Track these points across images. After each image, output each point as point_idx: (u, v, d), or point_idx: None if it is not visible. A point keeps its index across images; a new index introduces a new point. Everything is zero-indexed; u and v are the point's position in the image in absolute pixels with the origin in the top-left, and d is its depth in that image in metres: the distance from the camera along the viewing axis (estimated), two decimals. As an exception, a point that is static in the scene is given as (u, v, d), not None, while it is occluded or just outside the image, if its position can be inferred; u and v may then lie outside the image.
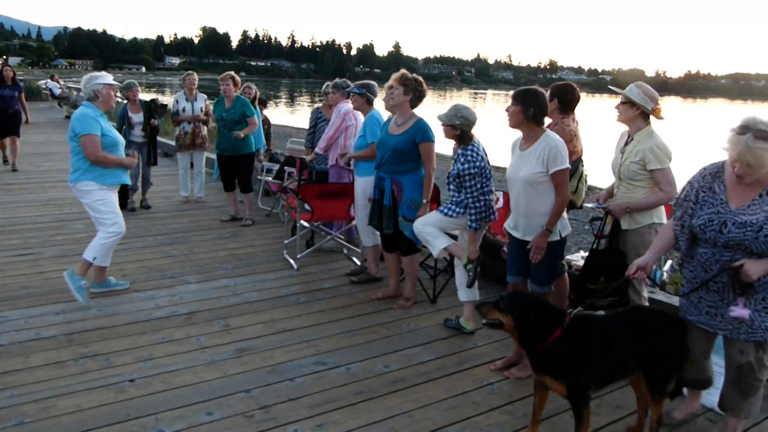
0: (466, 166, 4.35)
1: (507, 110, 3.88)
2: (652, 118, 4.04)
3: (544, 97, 3.84)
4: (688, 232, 3.06)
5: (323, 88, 7.32)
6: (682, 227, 3.09)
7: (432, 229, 4.59)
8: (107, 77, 5.23)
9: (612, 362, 3.10)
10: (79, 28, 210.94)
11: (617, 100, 4.16)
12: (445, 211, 4.54)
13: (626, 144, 4.09)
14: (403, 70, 5.13)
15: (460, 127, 4.38)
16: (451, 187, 4.53)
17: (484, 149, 4.49)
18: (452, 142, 4.58)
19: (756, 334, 2.97)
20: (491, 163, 4.58)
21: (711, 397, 3.56)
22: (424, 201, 4.90)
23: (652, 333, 3.15)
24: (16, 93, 11.27)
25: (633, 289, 4.06)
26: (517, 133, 4.04)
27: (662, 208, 4.09)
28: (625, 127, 4.16)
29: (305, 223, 6.45)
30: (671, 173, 3.92)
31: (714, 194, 2.97)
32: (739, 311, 2.91)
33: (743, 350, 3.04)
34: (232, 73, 7.80)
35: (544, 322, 3.05)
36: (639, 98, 3.95)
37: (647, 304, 4.13)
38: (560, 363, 3.04)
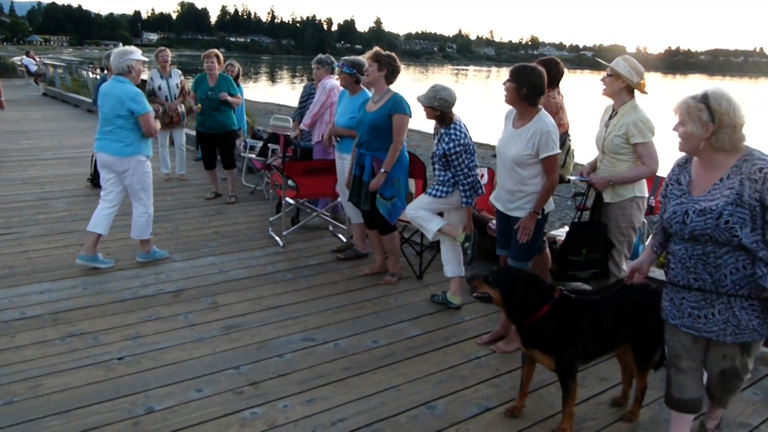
0: (451, 145, 4.35)
1: (503, 84, 3.87)
2: (636, 93, 4.06)
3: (539, 76, 3.78)
4: (661, 229, 2.92)
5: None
6: (660, 225, 2.93)
7: (424, 213, 4.60)
8: (138, 53, 5.40)
9: (600, 336, 3.15)
10: (53, 3, 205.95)
11: (599, 75, 4.19)
12: (434, 192, 4.54)
13: (610, 118, 4.12)
14: (376, 48, 5.10)
15: (439, 108, 4.38)
16: (437, 167, 4.54)
17: (465, 126, 4.49)
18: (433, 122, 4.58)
19: (743, 334, 2.68)
20: (474, 140, 4.59)
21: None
22: (383, 170, 4.89)
23: (637, 306, 3.19)
24: None
25: (613, 261, 4.13)
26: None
27: (644, 182, 4.14)
28: (608, 102, 4.18)
29: (290, 200, 6.43)
30: (654, 147, 3.96)
31: (680, 185, 2.77)
32: None
33: (726, 354, 2.79)
34: (216, 50, 7.69)
35: (532, 297, 3.09)
36: (625, 71, 3.97)
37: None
38: (549, 337, 3.09)
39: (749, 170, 2.50)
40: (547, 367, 3.19)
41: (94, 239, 5.36)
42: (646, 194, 4.18)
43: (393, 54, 5.07)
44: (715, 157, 2.59)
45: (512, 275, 3.25)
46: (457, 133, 4.38)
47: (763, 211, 2.49)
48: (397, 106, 4.89)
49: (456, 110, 4.50)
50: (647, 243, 3.18)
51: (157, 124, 5.51)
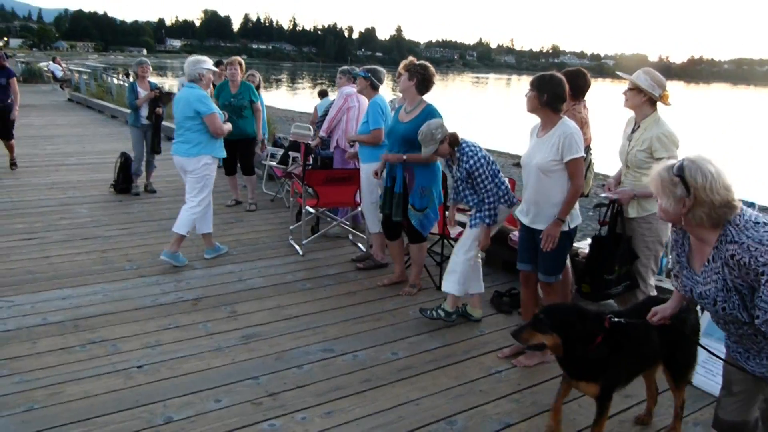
0: (471, 162, 4.28)
1: (525, 95, 3.84)
2: (659, 104, 4.00)
3: (560, 84, 3.77)
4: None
5: None
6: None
7: (467, 271, 4.47)
8: (209, 62, 5.82)
9: (640, 357, 3.06)
10: (80, 11, 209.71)
11: (620, 84, 4.12)
12: (477, 222, 4.41)
13: (633, 131, 4.06)
14: (410, 57, 5.09)
15: (443, 139, 4.35)
16: (466, 192, 4.43)
17: (475, 144, 4.43)
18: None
19: None
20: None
21: (711, 382, 3.57)
22: (404, 156, 4.85)
23: (671, 324, 3.10)
24: (4, 81, 9.10)
25: (639, 275, 4.06)
26: (534, 120, 4.00)
27: (670, 196, 4.06)
28: (630, 113, 4.12)
29: (311, 209, 6.43)
30: None
31: (682, 248, 2.56)
32: None
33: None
34: (239, 58, 7.75)
35: (588, 330, 2.92)
36: (647, 84, 3.91)
37: (653, 291, 4.11)
38: (599, 367, 2.94)
39: (725, 255, 2.26)
40: (589, 395, 3.05)
41: (208, 238, 5.94)
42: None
43: (426, 63, 5.01)
44: (699, 231, 2.36)
45: (564, 314, 2.99)
46: (470, 149, 4.32)
47: (751, 293, 2.25)
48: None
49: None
50: (674, 286, 2.95)
51: (227, 126, 5.82)
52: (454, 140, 4.37)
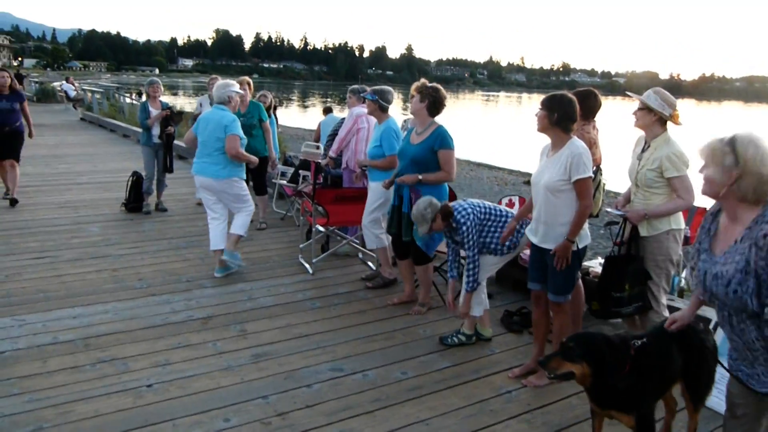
0: (463, 229, 4.31)
1: (535, 114, 3.85)
2: (669, 124, 4.00)
3: (571, 103, 3.76)
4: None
5: None
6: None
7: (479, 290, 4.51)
8: (236, 86, 6.08)
9: (664, 379, 3.01)
10: (93, 31, 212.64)
11: (631, 102, 4.11)
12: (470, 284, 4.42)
13: (643, 150, 4.05)
14: (422, 79, 5.10)
15: (434, 217, 4.36)
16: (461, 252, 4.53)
17: (461, 204, 4.42)
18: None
19: None
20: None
21: (716, 399, 3.53)
22: (420, 177, 4.84)
23: (686, 345, 3.07)
24: (16, 105, 8.61)
25: (651, 294, 4.02)
26: (545, 139, 3.99)
27: (680, 214, 4.05)
28: (640, 132, 4.12)
29: (321, 228, 6.44)
30: (689, 180, 3.87)
31: (708, 236, 2.57)
32: None
33: None
34: (248, 77, 7.84)
35: (617, 359, 2.85)
36: (656, 104, 3.91)
37: (666, 311, 4.08)
38: (628, 395, 2.87)
39: (757, 234, 2.27)
40: (625, 425, 2.96)
41: (219, 253, 5.99)
42: (683, 226, 4.09)
43: (437, 86, 5.01)
44: (738, 208, 2.38)
45: (594, 342, 2.91)
46: (461, 218, 4.32)
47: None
48: (442, 142, 4.86)
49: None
50: (692, 292, 2.93)
51: (249, 156, 6.00)
52: (446, 213, 4.38)
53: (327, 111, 11.27)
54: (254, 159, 6.10)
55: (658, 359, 2.92)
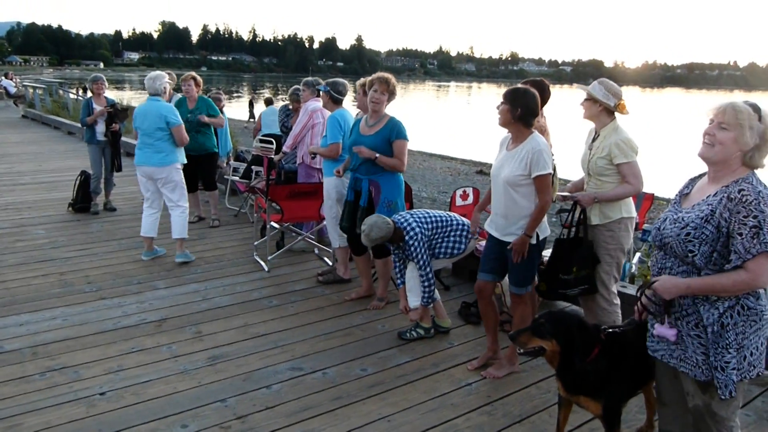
0: (413, 253, 4.39)
1: (497, 108, 3.84)
2: (618, 114, 4.07)
3: (534, 98, 3.78)
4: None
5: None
6: None
7: (414, 285, 4.53)
8: (167, 77, 6.45)
9: (640, 372, 2.99)
10: (33, 24, 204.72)
11: (576, 91, 4.18)
12: (427, 295, 4.49)
13: (593, 140, 4.12)
14: (387, 75, 5.03)
15: (383, 239, 4.38)
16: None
17: (408, 221, 4.46)
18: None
19: (687, 365, 2.51)
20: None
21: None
22: (377, 155, 4.83)
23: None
24: None
25: (601, 282, 4.09)
26: (497, 128, 4.00)
27: (631, 203, 4.13)
28: (590, 124, 4.19)
29: (275, 224, 6.36)
30: (637, 166, 3.96)
31: (680, 195, 2.65)
32: (662, 329, 2.56)
33: (688, 391, 2.58)
34: (194, 73, 7.65)
35: (587, 340, 2.87)
36: (601, 95, 3.98)
37: (616, 299, 4.15)
38: (598, 381, 2.88)
39: (733, 189, 2.36)
40: (592, 413, 2.98)
41: (149, 241, 6.30)
42: (634, 214, 4.17)
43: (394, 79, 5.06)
44: (728, 172, 2.43)
45: (565, 320, 2.94)
46: (411, 238, 4.38)
47: (725, 237, 2.35)
48: (399, 132, 4.86)
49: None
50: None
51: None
52: (397, 238, 4.44)
53: (268, 102, 11.22)
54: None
55: (631, 349, 2.92)
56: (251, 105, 30.44)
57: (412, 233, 4.38)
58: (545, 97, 4.44)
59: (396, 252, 4.61)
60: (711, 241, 2.37)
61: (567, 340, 2.86)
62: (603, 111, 4.02)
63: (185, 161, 6.38)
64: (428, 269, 4.40)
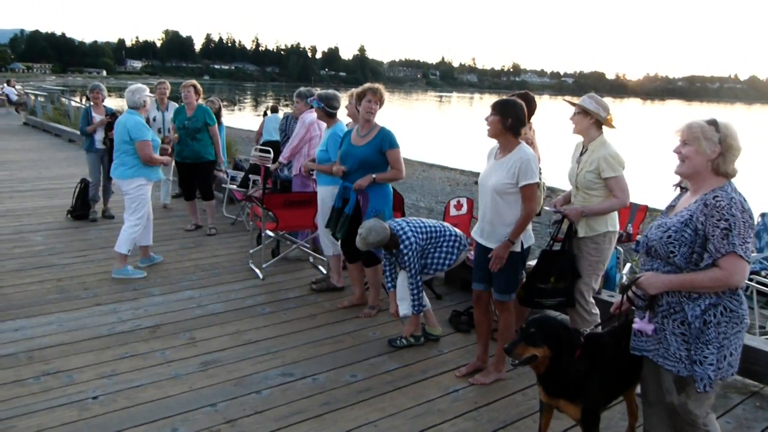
0: (406, 261, 4.48)
1: (486, 119, 3.94)
2: (605, 128, 4.16)
3: (522, 109, 3.91)
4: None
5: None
6: None
7: (404, 291, 4.61)
8: (147, 90, 6.37)
9: (619, 377, 3.05)
10: (36, 31, 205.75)
11: (567, 105, 4.30)
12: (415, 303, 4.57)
13: (581, 154, 4.21)
14: (377, 85, 5.12)
15: (380, 243, 4.48)
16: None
17: (404, 229, 4.54)
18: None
19: (670, 361, 2.68)
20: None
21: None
22: (373, 176, 4.91)
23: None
24: None
25: (579, 292, 4.16)
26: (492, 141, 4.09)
27: (615, 217, 4.22)
28: (579, 138, 4.28)
29: (270, 233, 6.43)
30: (624, 180, 4.05)
31: (667, 209, 2.89)
32: (642, 324, 2.74)
33: (667, 387, 2.74)
34: (194, 81, 7.75)
35: (572, 342, 2.93)
36: (593, 107, 4.09)
37: (595, 308, 4.21)
38: (577, 384, 2.94)
39: (709, 196, 2.58)
40: (571, 417, 3.03)
41: (146, 248, 6.39)
42: (618, 228, 4.27)
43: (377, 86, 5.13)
44: (705, 183, 2.66)
45: (553, 324, 3.00)
46: (406, 246, 4.47)
47: (702, 239, 2.56)
48: (391, 142, 4.96)
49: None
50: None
51: (161, 157, 6.27)
52: (393, 244, 4.53)
53: (273, 110, 11.32)
54: (166, 160, 6.50)
55: (610, 353, 2.99)
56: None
57: (407, 242, 4.46)
58: (531, 108, 4.54)
59: (387, 257, 4.68)
60: (689, 242, 2.60)
61: (556, 344, 2.93)
62: (593, 125, 4.12)
63: (158, 178, 6.40)
64: (418, 277, 4.48)
